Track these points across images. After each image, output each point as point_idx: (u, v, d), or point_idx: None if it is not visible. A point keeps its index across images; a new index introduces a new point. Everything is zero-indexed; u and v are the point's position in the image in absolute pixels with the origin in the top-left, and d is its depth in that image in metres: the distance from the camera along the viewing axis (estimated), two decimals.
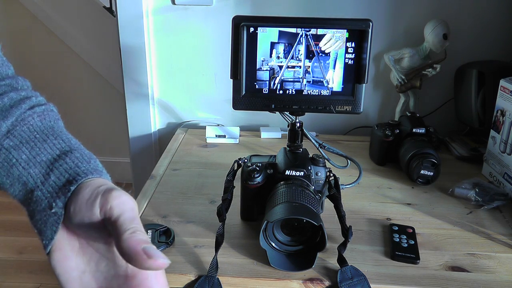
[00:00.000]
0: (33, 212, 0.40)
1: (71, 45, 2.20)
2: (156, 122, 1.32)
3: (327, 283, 0.68)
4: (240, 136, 1.20)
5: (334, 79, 0.76)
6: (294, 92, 0.77)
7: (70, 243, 0.40)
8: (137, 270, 0.39)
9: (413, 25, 1.17)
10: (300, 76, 0.76)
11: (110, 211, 0.37)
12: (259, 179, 0.77)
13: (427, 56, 1.15)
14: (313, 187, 0.76)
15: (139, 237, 0.36)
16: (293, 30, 0.74)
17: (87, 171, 0.41)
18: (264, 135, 1.21)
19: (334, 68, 0.76)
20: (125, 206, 0.38)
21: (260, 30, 0.74)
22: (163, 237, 0.77)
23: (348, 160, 0.96)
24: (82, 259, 0.40)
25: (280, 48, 0.75)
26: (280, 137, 1.21)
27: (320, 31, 0.74)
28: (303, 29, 0.74)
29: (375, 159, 1.07)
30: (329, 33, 0.74)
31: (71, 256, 0.39)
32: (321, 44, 0.74)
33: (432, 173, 0.94)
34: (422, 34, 1.13)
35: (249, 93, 0.77)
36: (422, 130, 1.01)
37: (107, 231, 0.38)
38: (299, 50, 0.75)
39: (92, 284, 0.40)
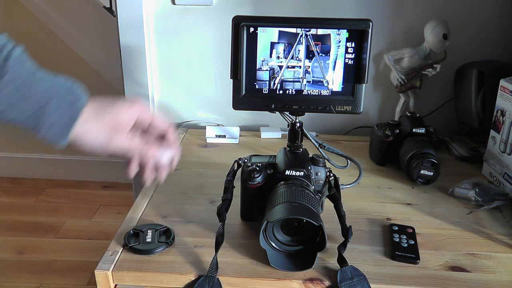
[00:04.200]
0: None
1: (71, 45, 2.20)
2: None
3: (327, 283, 0.68)
4: (240, 136, 1.20)
5: (334, 79, 0.76)
6: (294, 92, 0.77)
7: None
8: None
9: (413, 25, 1.17)
10: (300, 76, 0.76)
11: None
12: (259, 179, 0.77)
13: (427, 56, 1.15)
14: (313, 187, 0.76)
15: None
16: (293, 30, 0.74)
17: None
18: (264, 135, 1.21)
19: (334, 68, 0.76)
20: None
21: (260, 30, 0.74)
22: (163, 237, 0.77)
23: (348, 160, 0.96)
24: None
25: (280, 48, 0.75)
26: (280, 137, 1.21)
27: (320, 31, 0.74)
28: (303, 29, 0.74)
29: (375, 159, 1.07)
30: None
31: None
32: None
33: (432, 173, 0.94)
34: (422, 34, 1.13)
35: (249, 93, 0.77)
36: (422, 130, 1.01)
37: None
38: (299, 50, 0.75)
39: None
